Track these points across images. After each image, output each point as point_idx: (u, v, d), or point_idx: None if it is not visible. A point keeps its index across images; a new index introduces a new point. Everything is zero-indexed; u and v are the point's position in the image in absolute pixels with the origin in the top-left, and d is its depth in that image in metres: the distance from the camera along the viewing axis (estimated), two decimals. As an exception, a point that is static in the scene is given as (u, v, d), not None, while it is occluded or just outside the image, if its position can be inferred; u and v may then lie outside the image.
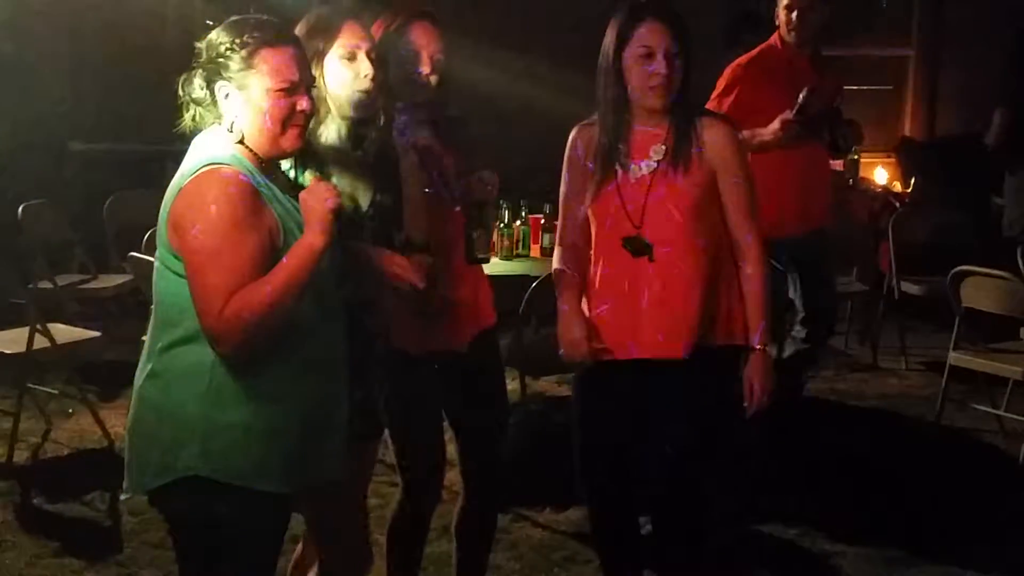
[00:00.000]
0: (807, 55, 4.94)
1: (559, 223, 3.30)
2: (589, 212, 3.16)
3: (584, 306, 3.20)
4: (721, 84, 4.80)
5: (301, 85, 2.47)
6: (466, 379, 3.25)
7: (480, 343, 3.26)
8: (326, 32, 2.84)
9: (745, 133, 4.20)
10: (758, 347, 3.13)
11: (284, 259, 2.37)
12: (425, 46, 3.05)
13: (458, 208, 3.07)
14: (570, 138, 3.22)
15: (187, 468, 2.42)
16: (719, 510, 3.40)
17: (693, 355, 3.09)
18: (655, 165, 3.07)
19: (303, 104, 2.46)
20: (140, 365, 2.53)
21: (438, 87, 3.08)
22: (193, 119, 2.51)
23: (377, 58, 2.85)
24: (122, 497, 2.59)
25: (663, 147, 3.07)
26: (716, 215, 3.11)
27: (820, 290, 5.06)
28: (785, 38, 4.93)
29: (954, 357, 5.36)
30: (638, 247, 3.07)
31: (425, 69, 3.04)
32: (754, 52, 4.96)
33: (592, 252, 3.19)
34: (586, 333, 3.13)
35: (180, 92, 2.51)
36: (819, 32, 4.95)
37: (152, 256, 2.54)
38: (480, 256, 3.12)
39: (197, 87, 2.48)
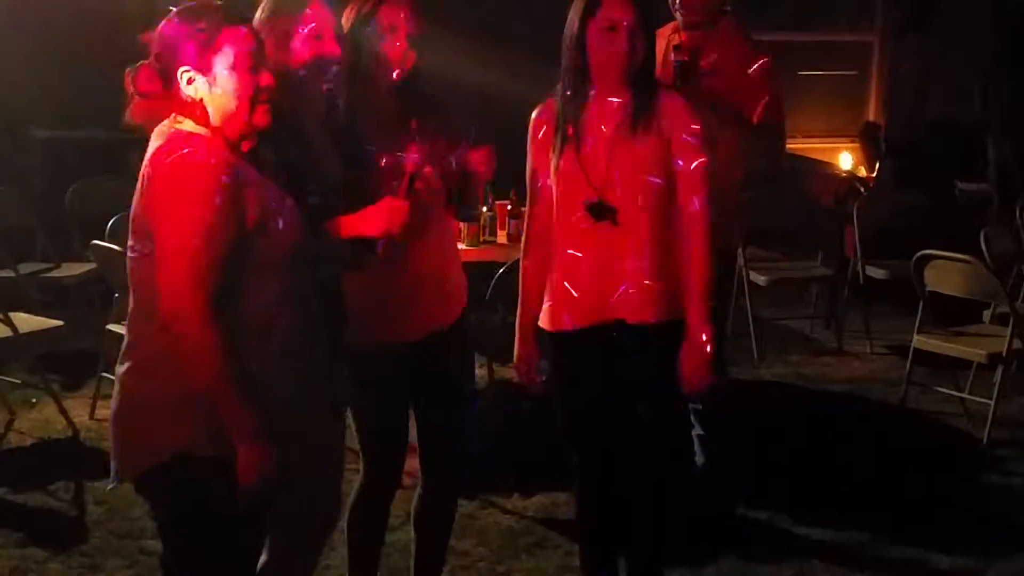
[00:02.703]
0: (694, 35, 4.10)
1: (528, 202, 3.34)
2: (552, 182, 3.20)
3: (551, 275, 3.25)
4: None
5: (261, 62, 2.49)
6: (433, 366, 3.24)
7: (451, 330, 3.27)
8: (292, 13, 2.85)
9: None
10: (694, 327, 3.13)
11: (234, 398, 2.38)
12: (399, 25, 3.06)
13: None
14: (532, 117, 3.28)
15: (174, 447, 2.42)
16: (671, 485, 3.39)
17: (656, 323, 3.14)
18: (613, 132, 3.11)
19: (266, 79, 2.48)
20: (121, 353, 2.53)
21: (412, 66, 3.10)
22: (145, 112, 2.50)
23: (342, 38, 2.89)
24: (109, 487, 2.58)
25: (621, 115, 3.11)
26: (670, 187, 3.13)
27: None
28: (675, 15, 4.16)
29: (918, 340, 5.40)
30: (600, 212, 3.11)
31: (399, 48, 3.06)
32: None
33: (555, 220, 3.23)
34: (534, 358, 3.32)
35: (127, 86, 2.49)
36: (714, 10, 4.14)
37: (115, 244, 2.53)
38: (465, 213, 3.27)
39: (145, 79, 2.47)
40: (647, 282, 3.12)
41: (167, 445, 2.44)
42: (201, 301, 2.33)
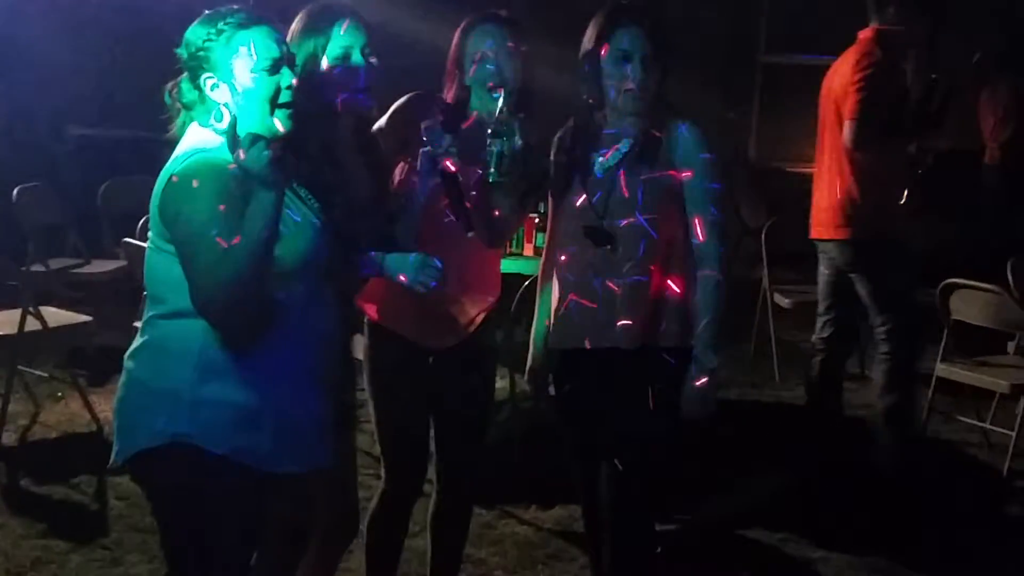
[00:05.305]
0: None
1: (549, 215, 3.37)
2: (564, 204, 3.22)
3: (554, 295, 3.27)
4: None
5: (283, 62, 2.48)
6: (455, 373, 3.26)
7: (476, 337, 3.29)
8: (324, 30, 2.87)
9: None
10: (697, 355, 3.12)
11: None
12: (494, 50, 3.10)
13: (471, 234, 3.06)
14: (556, 137, 3.29)
15: (174, 433, 2.42)
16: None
17: (652, 350, 3.13)
18: (620, 158, 3.12)
19: (288, 80, 2.47)
20: (132, 344, 2.55)
21: (512, 94, 3.11)
22: (184, 123, 2.52)
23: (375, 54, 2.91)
24: (111, 462, 2.57)
25: (631, 142, 3.12)
26: (678, 215, 3.13)
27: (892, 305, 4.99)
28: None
29: (941, 369, 5.38)
30: (599, 237, 3.13)
31: (494, 77, 3.11)
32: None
33: (560, 239, 3.25)
34: (540, 368, 3.37)
35: (169, 100, 2.52)
36: None
37: (146, 242, 2.56)
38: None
39: (185, 91, 2.50)
40: (642, 309, 3.11)
41: (167, 429, 2.42)
42: (229, 286, 2.31)
